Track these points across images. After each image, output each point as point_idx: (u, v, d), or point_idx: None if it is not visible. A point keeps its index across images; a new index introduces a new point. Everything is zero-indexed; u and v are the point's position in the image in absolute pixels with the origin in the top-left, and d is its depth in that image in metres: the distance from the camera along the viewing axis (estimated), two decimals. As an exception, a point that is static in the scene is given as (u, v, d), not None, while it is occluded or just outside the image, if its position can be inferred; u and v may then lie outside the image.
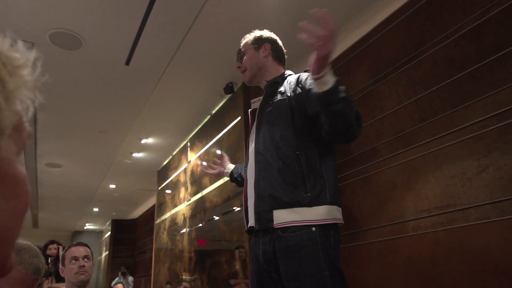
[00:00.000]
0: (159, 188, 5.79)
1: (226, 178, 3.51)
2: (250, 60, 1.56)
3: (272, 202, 1.30)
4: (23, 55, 0.33)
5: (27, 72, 0.33)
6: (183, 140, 4.77)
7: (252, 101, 1.61)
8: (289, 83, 1.46)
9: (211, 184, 3.84)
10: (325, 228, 1.26)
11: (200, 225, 4.07)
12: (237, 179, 1.85)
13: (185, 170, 4.69)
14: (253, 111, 1.58)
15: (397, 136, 2.15)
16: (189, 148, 4.62)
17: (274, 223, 1.28)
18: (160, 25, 2.63)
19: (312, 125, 1.36)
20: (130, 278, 7.97)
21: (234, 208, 3.34)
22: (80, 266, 1.80)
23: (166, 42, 2.83)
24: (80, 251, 1.86)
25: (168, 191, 5.35)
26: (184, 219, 4.55)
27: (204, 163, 2.02)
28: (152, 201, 7.06)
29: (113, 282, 7.75)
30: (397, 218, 2.07)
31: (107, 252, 9.61)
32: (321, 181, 1.30)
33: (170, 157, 5.34)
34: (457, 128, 1.83)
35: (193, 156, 4.47)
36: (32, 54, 0.34)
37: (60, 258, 1.93)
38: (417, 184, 1.99)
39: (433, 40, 2.01)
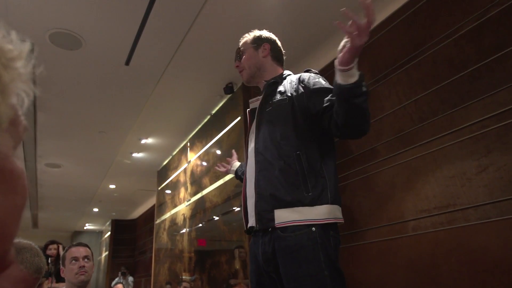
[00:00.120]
0: (159, 188, 5.79)
1: (226, 178, 3.54)
2: (249, 60, 1.56)
3: (273, 201, 1.30)
4: (16, 47, 0.32)
5: (22, 64, 0.32)
6: (183, 140, 4.77)
7: (250, 100, 1.60)
8: (290, 83, 1.46)
9: (211, 184, 3.84)
10: (325, 228, 1.26)
11: (200, 225, 4.07)
12: (241, 177, 1.89)
13: (185, 170, 4.69)
14: (252, 111, 1.58)
15: (396, 136, 2.15)
16: (189, 148, 4.62)
17: (276, 223, 1.28)
18: (160, 25, 2.63)
19: (313, 124, 1.36)
20: (130, 278, 7.97)
21: (234, 208, 3.34)
22: (80, 267, 1.81)
23: (166, 42, 2.83)
24: (80, 251, 1.86)
25: (168, 191, 5.35)
26: (184, 219, 4.55)
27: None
28: (152, 201, 7.06)
29: (113, 282, 7.74)
30: (397, 218, 2.07)
31: (107, 252, 9.61)
32: (322, 181, 1.30)
33: (170, 157, 5.34)
34: (457, 128, 1.83)
35: (193, 156, 4.47)
36: (26, 46, 0.32)
37: (61, 258, 1.93)
38: (417, 184, 2.00)
39: (433, 40, 2.01)
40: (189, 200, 4.41)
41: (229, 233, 3.44)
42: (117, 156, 5.26)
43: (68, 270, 1.82)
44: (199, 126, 4.31)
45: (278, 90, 1.48)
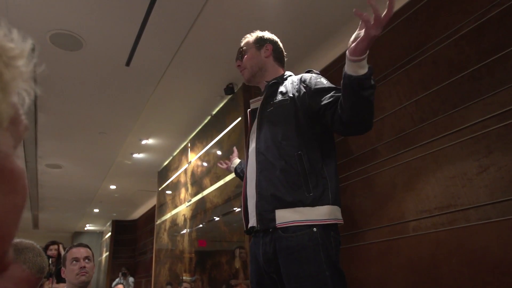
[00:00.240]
0: (160, 189, 5.79)
1: (227, 179, 3.54)
2: (251, 59, 1.57)
3: (274, 202, 1.30)
4: (18, 45, 0.31)
5: (23, 63, 0.31)
6: (184, 141, 4.77)
7: (251, 101, 1.61)
8: (292, 83, 1.46)
9: (211, 185, 3.85)
10: (326, 229, 1.26)
11: (201, 225, 4.07)
12: (240, 175, 1.93)
13: (185, 171, 4.69)
14: (253, 111, 1.58)
15: (397, 136, 2.15)
16: (189, 149, 4.63)
17: (277, 223, 1.28)
18: (161, 26, 2.64)
19: (314, 124, 1.36)
20: (131, 279, 7.97)
21: (234, 208, 3.34)
22: (81, 267, 1.81)
23: (166, 43, 2.83)
24: (81, 252, 1.87)
25: (169, 192, 5.35)
26: (185, 219, 4.55)
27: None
28: (152, 202, 7.06)
29: (114, 283, 7.75)
30: (397, 218, 2.07)
31: (107, 253, 9.61)
32: (323, 181, 1.30)
33: (171, 157, 5.34)
34: (458, 129, 1.83)
35: (193, 157, 4.47)
36: (28, 45, 0.32)
37: (61, 259, 1.94)
38: (417, 184, 2.00)
39: (433, 40, 2.01)
40: (190, 200, 4.41)
41: (229, 233, 3.44)
42: (117, 156, 5.27)
43: (69, 271, 1.82)
44: (200, 127, 4.31)
45: (280, 90, 1.48)
